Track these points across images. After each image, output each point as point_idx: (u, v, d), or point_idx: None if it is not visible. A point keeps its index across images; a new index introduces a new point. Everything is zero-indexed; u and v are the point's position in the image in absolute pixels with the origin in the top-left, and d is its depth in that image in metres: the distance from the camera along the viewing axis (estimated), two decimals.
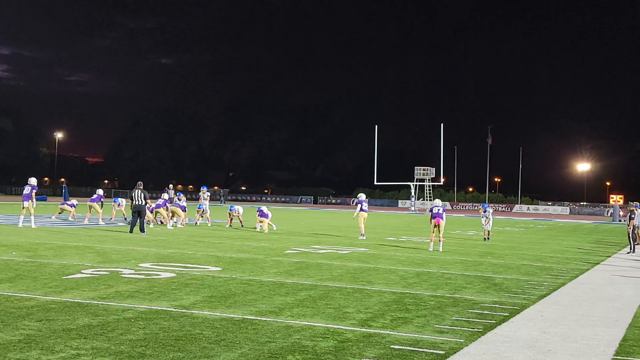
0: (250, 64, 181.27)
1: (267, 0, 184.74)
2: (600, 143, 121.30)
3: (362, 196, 24.37)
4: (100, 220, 27.48)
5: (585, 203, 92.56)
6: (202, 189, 30.00)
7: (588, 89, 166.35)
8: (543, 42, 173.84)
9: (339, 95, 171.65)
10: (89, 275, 11.55)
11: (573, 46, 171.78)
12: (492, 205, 77.47)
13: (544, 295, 11.16)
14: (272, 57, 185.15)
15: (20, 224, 23.60)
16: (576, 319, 9.10)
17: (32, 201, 23.45)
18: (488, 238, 24.82)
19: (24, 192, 23.75)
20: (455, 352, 6.93)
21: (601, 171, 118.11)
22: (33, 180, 24.07)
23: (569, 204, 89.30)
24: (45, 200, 59.61)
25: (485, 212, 25.02)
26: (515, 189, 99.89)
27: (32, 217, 23.64)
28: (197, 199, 32.37)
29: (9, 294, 9.47)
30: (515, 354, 6.99)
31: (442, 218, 19.61)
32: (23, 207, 23.64)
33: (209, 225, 28.56)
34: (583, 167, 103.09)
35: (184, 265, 13.56)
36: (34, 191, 23.56)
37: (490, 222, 25.11)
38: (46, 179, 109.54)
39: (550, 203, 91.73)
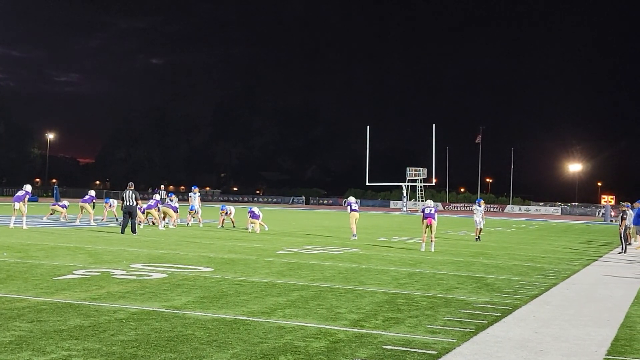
0: (241, 65, 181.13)
1: (259, 1, 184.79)
2: (591, 143, 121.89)
3: (351, 199, 24.45)
4: (91, 221, 27.38)
5: (576, 203, 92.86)
6: (193, 189, 30.17)
7: (579, 89, 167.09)
8: (534, 43, 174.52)
9: (330, 95, 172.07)
10: (80, 276, 11.51)
11: (564, 46, 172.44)
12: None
13: (536, 296, 11.18)
14: (264, 57, 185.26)
15: (12, 225, 23.51)
16: (568, 319, 9.12)
17: (25, 204, 23.49)
18: (479, 238, 24.86)
19: (17, 194, 23.80)
20: (447, 352, 6.94)
21: (593, 171, 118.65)
22: (28, 187, 24.28)
23: (560, 205, 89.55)
24: (36, 201, 59.40)
25: (480, 207, 25.13)
26: (506, 189, 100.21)
27: (24, 218, 23.55)
28: (188, 200, 32.76)
29: (0, 295, 9.42)
30: (507, 354, 7.00)
31: (434, 218, 19.63)
32: (14, 209, 23.58)
33: (201, 226, 28.52)
34: (574, 167, 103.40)
35: (175, 266, 13.53)
36: (27, 197, 23.68)
37: (484, 219, 25.23)
38: (37, 180, 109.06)
39: (541, 203, 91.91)
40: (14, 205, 23.61)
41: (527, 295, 11.18)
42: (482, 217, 24.97)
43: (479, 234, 25.06)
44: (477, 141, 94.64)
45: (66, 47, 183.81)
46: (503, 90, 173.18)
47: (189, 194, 31.67)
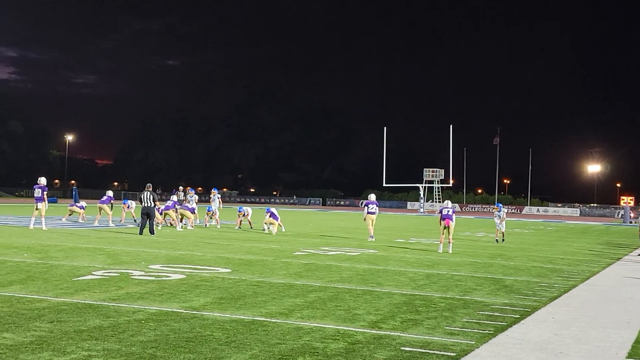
0: (258, 65, 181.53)
1: (276, 1, 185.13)
2: (610, 144, 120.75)
3: (372, 197, 24.17)
4: (110, 222, 27.55)
5: (595, 205, 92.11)
6: (213, 190, 30.19)
7: (598, 89, 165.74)
8: (552, 42, 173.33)
9: (348, 96, 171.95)
10: (99, 277, 11.59)
11: (582, 46, 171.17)
12: None
13: (555, 297, 11.11)
14: (281, 58, 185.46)
15: (31, 226, 23.67)
16: (588, 321, 9.06)
17: (45, 203, 23.45)
18: (503, 239, 24.69)
19: (36, 195, 23.61)
20: (466, 354, 6.91)
21: (611, 172, 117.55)
22: (43, 180, 23.81)
23: (579, 206, 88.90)
24: (55, 202, 59.87)
25: (499, 211, 24.95)
26: (524, 190, 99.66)
27: (43, 219, 23.62)
28: (208, 201, 32.70)
29: (21, 295, 9.51)
30: (527, 355, 6.96)
31: (451, 219, 19.55)
32: (36, 209, 23.48)
33: (218, 227, 28.61)
34: (593, 168, 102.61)
35: (193, 266, 13.58)
36: (45, 192, 23.50)
37: (504, 222, 25.02)
38: (57, 181, 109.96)
39: (560, 205, 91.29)
40: (36, 206, 23.50)
41: (546, 297, 11.11)
42: (502, 222, 24.71)
43: (498, 235, 24.80)
44: (495, 143, 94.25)
45: (82, 49, 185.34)
46: (521, 91, 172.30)
47: (210, 196, 31.45)
